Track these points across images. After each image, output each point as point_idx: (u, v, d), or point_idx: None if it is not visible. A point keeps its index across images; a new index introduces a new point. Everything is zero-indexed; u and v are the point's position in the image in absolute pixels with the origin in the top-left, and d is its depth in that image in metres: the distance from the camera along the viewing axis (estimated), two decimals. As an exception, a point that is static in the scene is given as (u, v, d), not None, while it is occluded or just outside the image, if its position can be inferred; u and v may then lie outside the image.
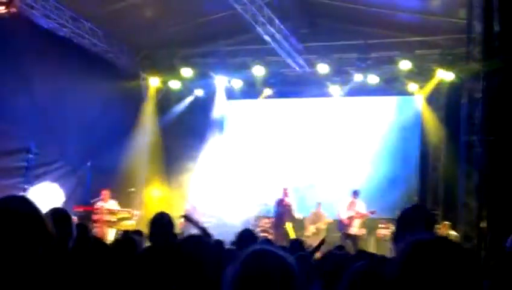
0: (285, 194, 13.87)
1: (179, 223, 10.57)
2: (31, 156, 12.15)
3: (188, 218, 5.84)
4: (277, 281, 1.73)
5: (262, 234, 13.32)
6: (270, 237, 13.31)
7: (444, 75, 14.02)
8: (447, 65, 13.84)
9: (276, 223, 13.76)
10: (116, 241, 5.28)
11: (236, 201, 15.64)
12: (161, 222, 4.89)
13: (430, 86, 14.56)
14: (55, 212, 4.33)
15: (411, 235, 1.82)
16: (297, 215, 13.92)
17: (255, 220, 14.64)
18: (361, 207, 13.37)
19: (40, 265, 1.98)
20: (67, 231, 4.18)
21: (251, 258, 1.79)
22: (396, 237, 3.15)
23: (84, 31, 13.76)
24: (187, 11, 13.66)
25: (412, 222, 3.01)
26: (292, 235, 12.81)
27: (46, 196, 12.61)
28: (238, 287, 1.74)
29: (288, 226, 13.35)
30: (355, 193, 13.50)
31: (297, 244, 6.53)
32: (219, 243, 5.45)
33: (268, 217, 14.48)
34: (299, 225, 13.97)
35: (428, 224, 3.04)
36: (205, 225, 7.10)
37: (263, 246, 1.87)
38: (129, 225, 12.58)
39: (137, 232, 6.21)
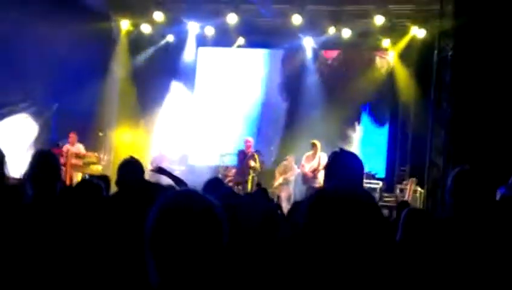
0: (248, 146, 13.92)
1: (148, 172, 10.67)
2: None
3: (160, 170, 5.80)
4: (196, 223, 1.71)
5: (231, 184, 13.40)
6: (239, 187, 13.43)
7: (417, 32, 14.04)
8: (420, 21, 13.84)
9: (239, 174, 13.82)
10: (80, 184, 5.22)
11: (203, 149, 15.67)
12: (130, 167, 4.81)
13: (403, 42, 14.58)
14: (41, 155, 4.18)
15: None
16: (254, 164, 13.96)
17: (224, 169, 14.71)
18: (324, 159, 13.41)
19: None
20: (56, 175, 4.08)
21: (172, 197, 1.78)
22: (324, 182, 3.16)
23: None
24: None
25: (336, 169, 3.00)
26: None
27: (17, 130, 12.50)
28: (155, 225, 1.73)
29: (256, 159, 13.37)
30: (314, 145, 13.50)
31: (259, 193, 6.59)
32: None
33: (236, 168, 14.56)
34: (269, 175, 14.07)
35: (352, 173, 3.01)
36: (176, 173, 7.15)
37: (189, 188, 1.85)
38: (96, 169, 12.51)
39: (104, 177, 6.15)
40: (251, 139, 14.06)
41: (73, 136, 13.03)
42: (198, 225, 1.71)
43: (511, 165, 7.27)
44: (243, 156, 13.77)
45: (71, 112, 13.37)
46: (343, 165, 2.97)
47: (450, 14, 10.73)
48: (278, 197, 13.04)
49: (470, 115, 9.80)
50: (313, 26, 14.82)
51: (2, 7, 11.67)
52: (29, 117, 13.35)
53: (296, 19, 14.39)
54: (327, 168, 3.12)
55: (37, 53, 12.84)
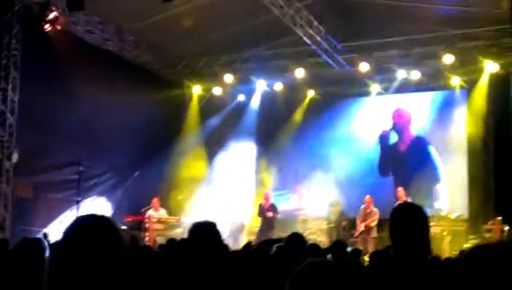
0: (266, 199, 14.17)
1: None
2: (81, 169, 12.41)
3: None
4: None
5: (311, 237, 13.26)
6: (318, 239, 13.24)
7: (489, 67, 13.72)
8: (492, 57, 13.54)
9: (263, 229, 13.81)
10: (162, 248, 5.37)
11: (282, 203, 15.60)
12: (203, 233, 4.77)
13: (475, 78, 14.22)
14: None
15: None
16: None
17: (303, 222, 14.63)
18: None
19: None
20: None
21: (305, 270, 1.79)
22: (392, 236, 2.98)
23: (127, 44, 14.11)
24: (225, 18, 13.76)
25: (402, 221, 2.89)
26: None
27: (95, 208, 12.90)
28: None
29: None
30: (400, 190, 13.22)
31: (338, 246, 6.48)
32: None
33: (317, 220, 14.44)
34: (350, 223, 13.81)
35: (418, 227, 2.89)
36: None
37: (318, 259, 1.85)
38: (178, 232, 12.74)
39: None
40: (269, 192, 14.40)
41: (156, 201, 13.40)
42: None
43: None
44: (263, 210, 14.01)
45: (151, 177, 13.78)
46: (409, 219, 2.88)
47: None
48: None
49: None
50: (380, 71, 14.80)
51: (83, 86, 12.35)
52: (113, 186, 13.86)
53: (364, 67, 14.41)
54: (391, 223, 3.00)
55: (116, 124, 13.43)
